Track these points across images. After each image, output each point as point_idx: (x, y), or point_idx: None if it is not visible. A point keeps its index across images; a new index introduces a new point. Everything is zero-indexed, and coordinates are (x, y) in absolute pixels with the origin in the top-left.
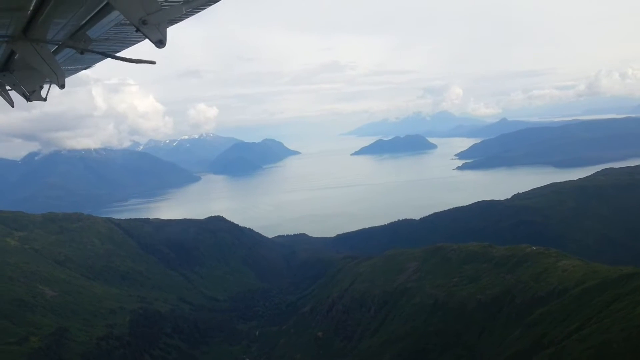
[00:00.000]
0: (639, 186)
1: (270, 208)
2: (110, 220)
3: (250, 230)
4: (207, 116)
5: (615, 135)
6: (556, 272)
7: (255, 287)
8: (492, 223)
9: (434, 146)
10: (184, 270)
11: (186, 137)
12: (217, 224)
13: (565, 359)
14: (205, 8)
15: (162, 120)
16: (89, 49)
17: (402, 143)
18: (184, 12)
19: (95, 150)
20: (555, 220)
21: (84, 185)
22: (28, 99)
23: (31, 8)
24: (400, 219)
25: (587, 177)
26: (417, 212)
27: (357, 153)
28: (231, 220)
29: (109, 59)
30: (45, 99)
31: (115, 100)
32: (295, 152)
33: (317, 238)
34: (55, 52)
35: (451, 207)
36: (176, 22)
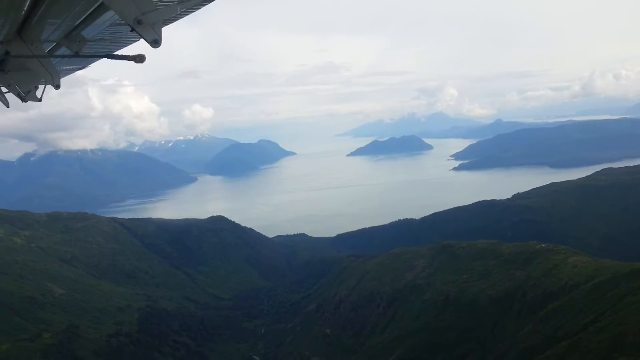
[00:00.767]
0: None
1: (268, 208)
2: (114, 219)
3: (251, 230)
4: (202, 117)
5: (610, 136)
6: (566, 268)
7: (258, 286)
8: (494, 222)
9: (429, 147)
10: (187, 269)
11: (181, 137)
12: (219, 223)
13: (582, 350)
14: (199, 7)
15: (158, 121)
16: (83, 49)
17: (398, 144)
18: (179, 11)
19: (91, 150)
20: (556, 219)
21: (80, 185)
22: (23, 100)
23: (25, 9)
24: (401, 218)
25: (587, 176)
26: (416, 212)
27: (353, 154)
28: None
29: (104, 59)
30: (40, 100)
31: (111, 101)
32: (291, 153)
33: (317, 238)
34: (50, 52)
35: (451, 207)
36: (171, 22)
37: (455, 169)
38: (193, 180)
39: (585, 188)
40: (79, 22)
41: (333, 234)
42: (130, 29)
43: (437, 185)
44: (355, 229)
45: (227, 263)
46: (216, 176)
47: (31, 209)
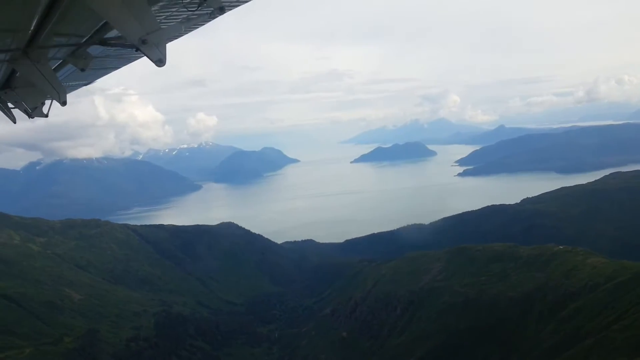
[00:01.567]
0: None
1: (274, 215)
2: (127, 226)
3: (260, 236)
4: (206, 125)
5: (614, 141)
6: (586, 269)
7: (269, 291)
8: (504, 226)
9: (433, 153)
10: (199, 275)
11: (185, 146)
12: (229, 229)
13: (608, 348)
14: (203, 25)
15: (162, 130)
16: (89, 66)
17: (402, 150)
18: (183, 30)
19: (97, 159)
20: (566, 224)
21: (86, 194)
22: (30, 116)
23: (32, 27)
24: (409, 224)
25: (596, 180)
26: (423, 218)
27: (356, 161)
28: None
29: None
30: (47, 115)
31: (116, 110)
32: (295, 160)
33: (325, 244)
34: (57, 69)
35: (459, 212)
36: (174, 39)
37: (459, 175)
38: (198, 188)
39: (595, 192)
40: (84, 40)
41: (341, 240)
42: (135, 49)
43: (443, 191)
44: (363, 235)
45: (238, 269)
46: (221, 184)
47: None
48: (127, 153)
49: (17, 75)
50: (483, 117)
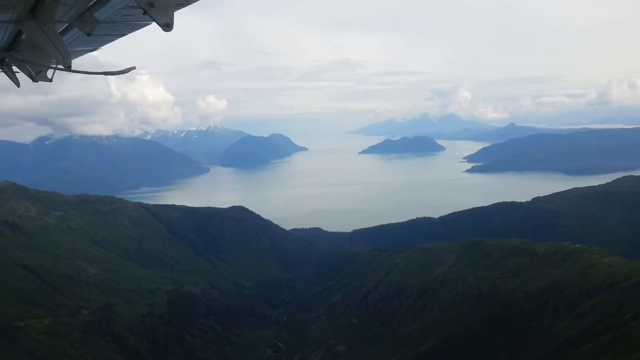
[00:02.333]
0: None
1: (281, 202)
2: (140, 204)
3: (269, 221)
4: (216, 108)
5: (625, 145)
6: (602, 268)
7: (278, 276)
8: (514, 224)
9: (441, 148)
10: (210, 256)
11: (194, 128)
12: (241, 213)
13: (625, 344)
14: None
15: (172, 111)
16: (96, 30)
17: (410, 144)
18: None
19: (106, 137)
20: (577, 224)
21: (95, 171)
22: (34, 79)
23: None
24: (418, 217)
25: (608, 183)
26: (431, 212)
27: (365, 152)
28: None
29: (116, 41)
30: (51, 80)
31: (128, 89)
32: (303, 148)
33: (333, 232)
34: (62, 32)
35: (469, 208)
36: (184, 6)
37: (468, 171)
38: (205, 171)
39: (607, 194)
40: (92, 3)
41: (348, 229)
42: (142, 11)
43: (451, 187)
44: (370, 226)
45: (247, 252)
46: (228, 168)
47: None
48: (137, 132)
49: (22, 37)
50: (493, 115)
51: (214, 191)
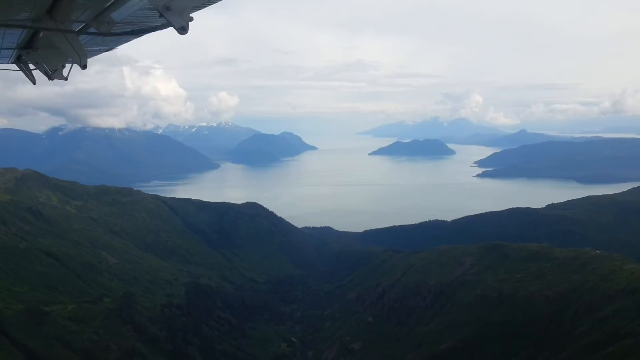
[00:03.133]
0: None
1: (292, 200)
2: (158, 197)
3: (282, 219)
4: (227, 105)
5: (638, 155)
6: (623, 274)
7: (291, 274)
8: (528, 230)
9: (452, 152)
10: (224, 251)
11: (204, 124)
12: (255, 209)
13: None
14: None
15: (184, 106)
16: (112, 31)
17: (421, 146)
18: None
19: (119, 129)
20: (593, 232)
21: (107, 163)
22: (50, 77)
23: None
24: (430, 219)
25: (623, 192)
26: (441, 215)
27: (374, 153)
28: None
29: (133, 40)
30: (66, 78)
31: (142, 82)
32: (313, 147)
33: (344, 232)
34: (79, 32)
35: (481, 212)
36: (200, 9)
37: (478, 175)
38: (216, 166)
39: (622, 203)
40: (108, 4)
41: (359, 229)
42: (159, 14)
43: (462, 191)
44: (381, 227)
45: (261, 248)
46: (238, 164)
47: None
48: (149, 126)
49: (39, 35)
50: (504, 120)
51: (224, 187)
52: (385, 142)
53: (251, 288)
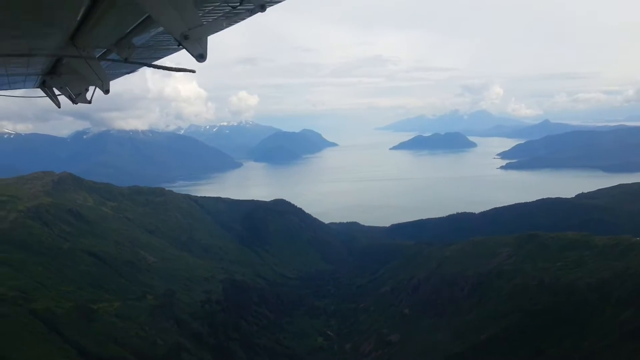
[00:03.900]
0: None
1: (317, 196)
2: (189, 196)
3: (309, 215)
4: (247, 104)
5: None
6: None
7: (321, 269)
8: (560, 220)
9: (473, 144)
10: (255, 248)
11: (225, 123)
12: (283, 206)
13: None
14: (244, 20)
15: (205, 106)
16: (132, 56)
17: (442, 140)
18: (224, 25)
19: (142, 131)
20: (626, 220)
21: (132, 165)
22: (74, 102)
23: (79, 18)
24: (458, 212)
25: None
26: (470, 207)
27: (395, 147)
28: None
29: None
30: (89, 102)
31: (163, 84)
32: (333, 144)
33: (371, 227)
34: (101, 57)
35: (510, 204)
36: (216, 33)
37: (502, 167)
38: (238, 165)
39: None
40: (129, 30)
41: (385, 224)
42: (177, 43)
43: (487, 183)
44: (408, 220)
45: (291, 244)
46: (260, 163)
47: None
48: (171, 127)
49: (63, 62)
50: (526, 111)
51: (248, 185)
52: (406, 136)
53: (284, 284)
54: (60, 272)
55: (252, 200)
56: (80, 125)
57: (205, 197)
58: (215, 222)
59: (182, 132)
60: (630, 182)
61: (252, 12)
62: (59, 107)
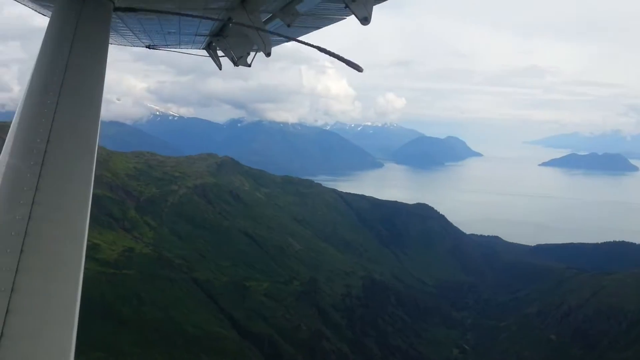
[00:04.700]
0: None
1: (457, 205)
2: (335, 191)
3: (451, 223)
4: (394, 106)
5: None
6: None
7: (461, 280)
8: None
9: (635, 168)
10: (394, 249)
11: (369, 123)
12: (425, 210)
13: None
14: None
15: (352, 105)
16: (295, 22)
17: (598, 160)
18: None
19: (292, 124)
20: None
21: (279, 155)
22: (235, 64)
23: None
24: (616, 240)
25: None
26: (629, 237)
27: (545, 164)
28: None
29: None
30: (249, 65)
31: (316, 81)
32: (478, 154)
33: (514, 244)
34: (266, 22)
35: None
36: (383, 1)
37: None
38: (379, 165)
39: None
40: None
41: (530, 242)
42: (344, 5)
43: None
44: (555, 242)
45: (431, 250)
46: (402, 165)
47: None
48: (319, 122)
49: (230, 25)
50: None
51: (387, 186)
52: (558, 153)
53: (421, 289)
54: (218, 248)
55: (395, 202)
56: (236, 113)
57: (349, 193)
58: (358, 219)
59: (329, 127)
60: None
61: None
62: (220, 69)
